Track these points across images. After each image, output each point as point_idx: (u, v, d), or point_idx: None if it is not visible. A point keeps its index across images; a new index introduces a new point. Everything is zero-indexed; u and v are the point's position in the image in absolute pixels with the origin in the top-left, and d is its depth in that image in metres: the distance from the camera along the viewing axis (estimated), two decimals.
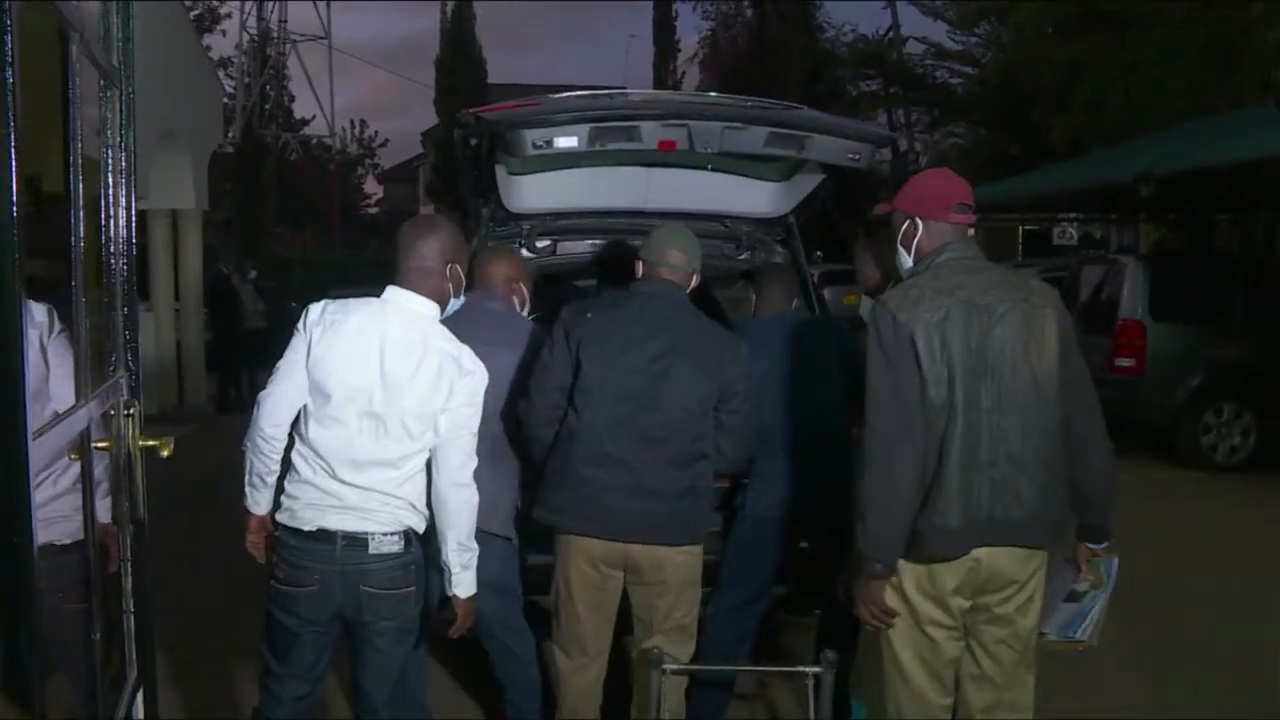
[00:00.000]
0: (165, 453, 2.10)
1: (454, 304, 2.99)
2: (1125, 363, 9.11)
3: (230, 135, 34.87)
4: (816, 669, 3.24)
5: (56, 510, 2.21)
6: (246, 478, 2.87)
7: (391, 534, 2.79)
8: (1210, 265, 10.81)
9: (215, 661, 4.69)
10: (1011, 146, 23.08)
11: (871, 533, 2.70)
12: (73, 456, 1.72)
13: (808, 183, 4.62)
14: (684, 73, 33.87)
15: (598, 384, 3.30)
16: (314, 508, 2.79)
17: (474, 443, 2.89)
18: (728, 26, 33.33)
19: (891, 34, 29.01)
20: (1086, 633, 3.07)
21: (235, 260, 14.07)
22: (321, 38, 45.14)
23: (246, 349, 13.29)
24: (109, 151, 1.89)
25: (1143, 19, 14.90)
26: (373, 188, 51.61)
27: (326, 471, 2.78)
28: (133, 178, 1.95)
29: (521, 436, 3.49)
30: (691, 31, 51.91)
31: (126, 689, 1.99)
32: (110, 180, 1.89)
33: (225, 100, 35.69)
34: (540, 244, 4.76)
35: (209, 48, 32.48)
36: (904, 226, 2.88)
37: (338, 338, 2.75)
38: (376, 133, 51.00)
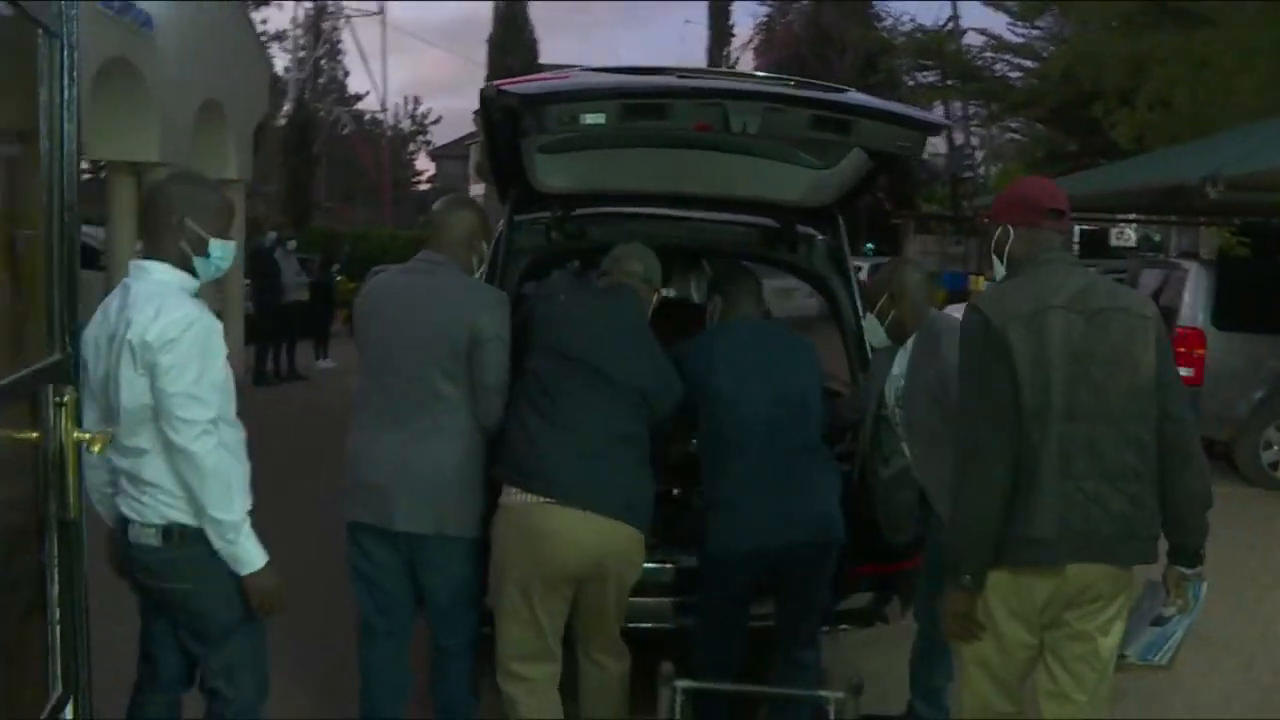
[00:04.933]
0: (96, 449, 1.90)
1: (201, 263, 2.66)
2: (1183, 373, 8.62)
3: (285, 109, 35.06)
4: (839, 694, 3.06)
5: None
6: None
7: (148, 526, 2.61)
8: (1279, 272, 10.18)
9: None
10: (1070, 143, 22.54)
11: (965, 545, 2.68)
12: None
13: (854, 170, 4.30)
14: (739, 59, 33.58)
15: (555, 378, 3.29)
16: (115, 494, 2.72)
17: (193, 406, 2.53)
18: (783, 13, 32.96)
19: (951, 25, 28.49)
20: (1165, 657, 3.00)
21: (276, 232, 13.85)
22: (376, 13, 45.37)
23: (287, 321, 13.23)
24: (48, 106, 1.69)
25: (1212, 16, 14.37)
26: (424, 164, 51.75)
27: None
28: (77, 135, 1.75)
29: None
30: (747, 18, 51.58)
31: (46, 710, 1.79)
32: (49, 138, 1.69)
33: (281, 74, 36.01)
34: (570, 228, 4.52)
35: (265, 21, 32.70)
36: (996, 234, 2.90)
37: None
38: (430, 110, 51.17)
